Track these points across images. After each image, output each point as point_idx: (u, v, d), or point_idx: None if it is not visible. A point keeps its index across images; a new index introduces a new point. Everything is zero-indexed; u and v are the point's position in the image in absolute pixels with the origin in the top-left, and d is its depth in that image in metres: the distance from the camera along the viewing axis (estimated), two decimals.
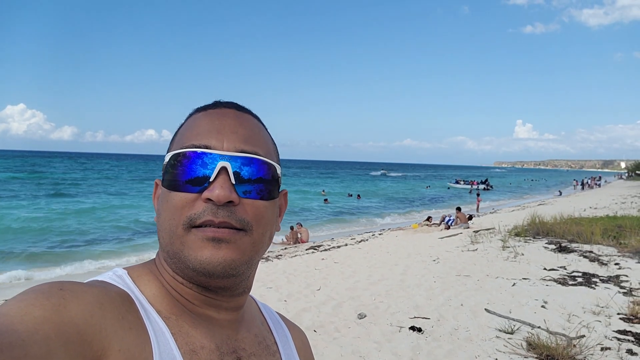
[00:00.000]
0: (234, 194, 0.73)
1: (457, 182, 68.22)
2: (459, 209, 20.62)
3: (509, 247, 11.86)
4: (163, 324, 0.72)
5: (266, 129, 0.86)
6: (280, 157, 0.87)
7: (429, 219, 21.45)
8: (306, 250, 14.89)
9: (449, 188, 60.38)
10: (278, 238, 18.17)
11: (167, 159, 0.78)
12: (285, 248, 16.23)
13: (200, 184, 0.73)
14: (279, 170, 0.82)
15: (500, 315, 6.40)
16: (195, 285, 0.77)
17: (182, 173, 0.74)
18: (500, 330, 5.81)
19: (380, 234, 18.54)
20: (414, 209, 32.71)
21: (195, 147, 0.75)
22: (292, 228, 18.11)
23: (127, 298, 0.71)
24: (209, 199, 0.72)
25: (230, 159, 0.74)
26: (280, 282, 9.06)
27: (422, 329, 5.93)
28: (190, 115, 0.84)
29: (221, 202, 0.72)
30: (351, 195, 41.94)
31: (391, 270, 9.96)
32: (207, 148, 0.75)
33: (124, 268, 0.79)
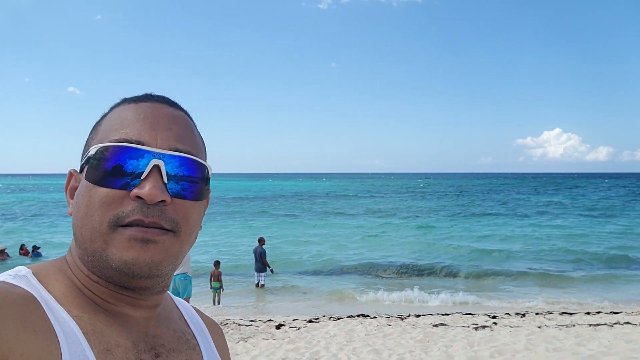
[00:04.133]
0: (166, 193, 0.72)
1: None
2: None
3: None
4: (74, 324, 0.69)
5: (196, 127, 0.84)
6: None
7: None
8: None
9: None
10: None
11: (93, 150, 0.74)
12: None
13: (130, 180, 0.71)
14: (209, 170, 0.81)
15: None
16: (112, 284, 0.75)
17: (111, 168, 0.71)
18: None
19: None
20: None
21: (127, 142, 0.73)
22: None
23: (32, 299, 0.68)
24: (138, 197, 0.70)
25: (164, 157, 0.73)
26: None
27: None
28: (117, 105, 0.81)
29: (153, 202, 0.70)
30: None
31: None
32: (139, 144, 0.73)
33: (27, 267, 0.76)
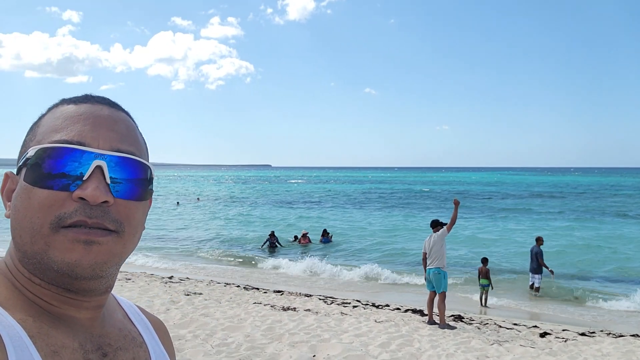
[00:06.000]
0: (109, 194, 0.71)
1: None
2: None
3: None
4: (19, 328, 0.68)
5: (138, 128, 0.85)
6: None
7: None
8: None
9: None
10: None
11: (32, 152, 0.73)
12: None
13: (72, 181, 0.71)
14: (152, 171, 0.81)
15: None
16: (55, 287, 0.74)
17: (52, 169, 0.71)
18: None
19: None
20: None
21: (68, 143, 0.72)
22: None
23: None
24: (81, 198, 0.70)
25: (106, 158, 0.73)
26: None
27: None
28: (56, 105, 0.81)
29: (96, 202, 0.70)
30: None
31: None
32: (81, 145, 0.72)
33: None
